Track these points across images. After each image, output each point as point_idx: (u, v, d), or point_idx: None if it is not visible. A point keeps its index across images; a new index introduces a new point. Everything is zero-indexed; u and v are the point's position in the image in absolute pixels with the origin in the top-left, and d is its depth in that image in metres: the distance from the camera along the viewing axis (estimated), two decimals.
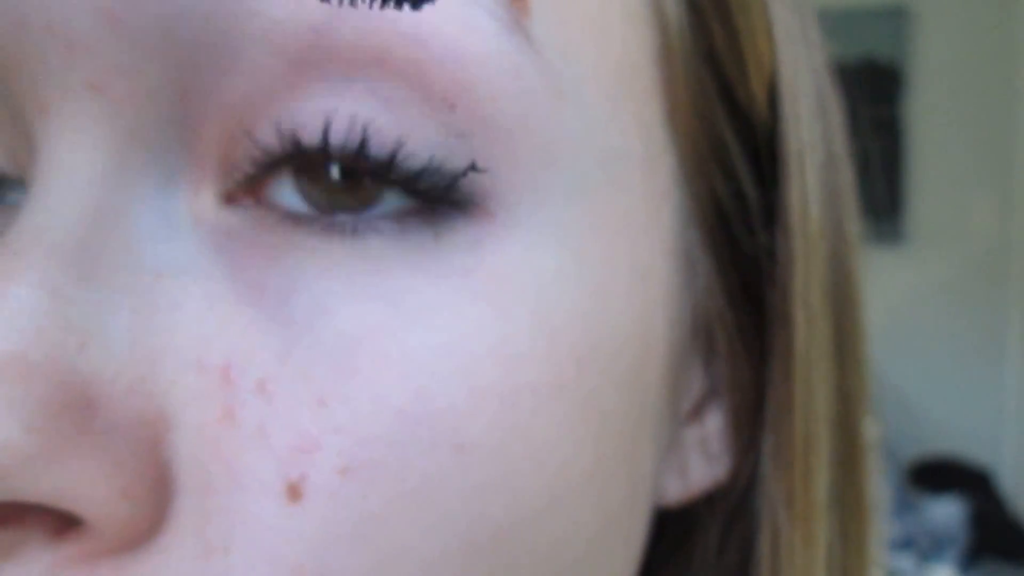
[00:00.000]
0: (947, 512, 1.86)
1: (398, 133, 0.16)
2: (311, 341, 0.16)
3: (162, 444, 0.15)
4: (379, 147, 0.16)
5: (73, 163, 0.16)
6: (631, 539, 0.21)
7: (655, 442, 0.21)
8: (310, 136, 0.16)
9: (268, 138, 0.16)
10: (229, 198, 0.17)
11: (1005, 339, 2.28)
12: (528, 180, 0.17)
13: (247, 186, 0.17)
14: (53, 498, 0.14)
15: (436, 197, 0.17)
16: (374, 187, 0.17)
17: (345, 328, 0.16)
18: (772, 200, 0.22)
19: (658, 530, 0.24)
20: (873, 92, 2.27)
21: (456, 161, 0.16)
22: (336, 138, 0.16)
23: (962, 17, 2.23)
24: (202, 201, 0.17)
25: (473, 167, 0.16)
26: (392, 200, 0.17)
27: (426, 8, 0.16)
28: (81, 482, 0.14)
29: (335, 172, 0.17)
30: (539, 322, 0.17)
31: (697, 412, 0.24)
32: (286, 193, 0.17)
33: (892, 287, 2.32)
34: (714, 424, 0.24)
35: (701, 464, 0.24)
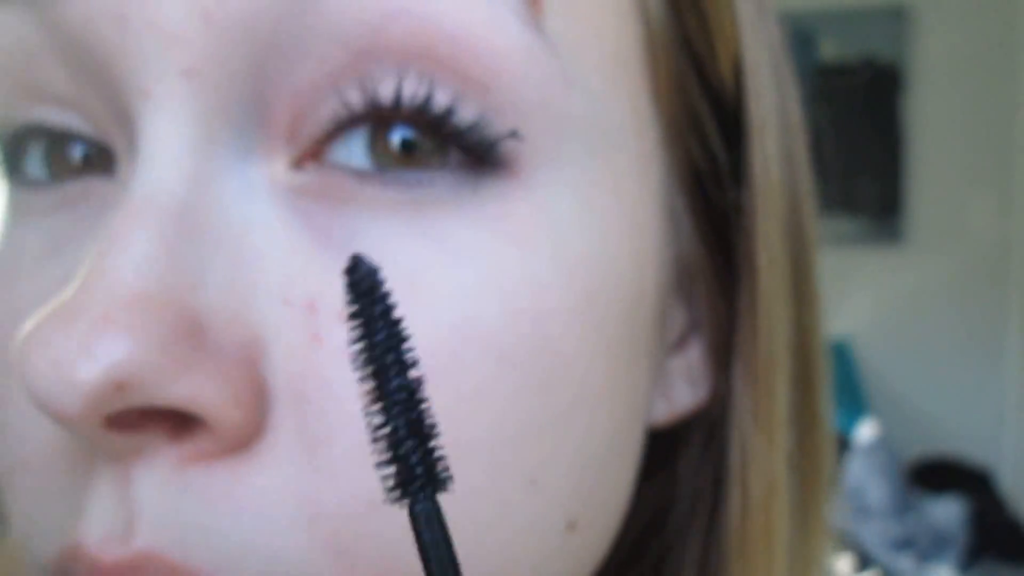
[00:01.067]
0: (947, 512, 1.86)
1: (451, 99, 0.20)
2: None
3: (259, 363, 0.19)
4: (440, 103, 0.20)
5: (171, 138, 0.19)
6: (633, 449, 0.25)
7: (648, 368, 0.25)
8: (385, 90, 0.19)
9: (352, 95, 0.20)
10: (297, 163, 0.20)
11: (1005, 339, 2.29)
12: (547, 148, 0.21)
13: (313, 150, 0.20)
14: (183, 402, 0.18)
15: (481, 155, 0.20)
16: (430, 152, 0.20)
17: (404, 263, 0.19)
18: (739, 162, 0.26)
19: (647, 450, 0.27)
20: (873, 92, 2.27)
21: (498, 127, 0.20)
22: (408, 90, 0.19)
23: (962, 17, 2.24)
24: (275, 166, 0.20)
25: (514, 134, 0.20)
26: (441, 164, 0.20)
27: (460, 10, 0.19)
28: (203, 389, 0.18)
29: (396, 141, 0.20)
30: (558, 260, 0.21)
31: (681, 344, 0.28)
32: (355, 154, 0.20)
33: (892, 287, 2.32)
34: (696, 354, 0.28)
35: (685, 388, 0.28)
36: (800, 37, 2.17)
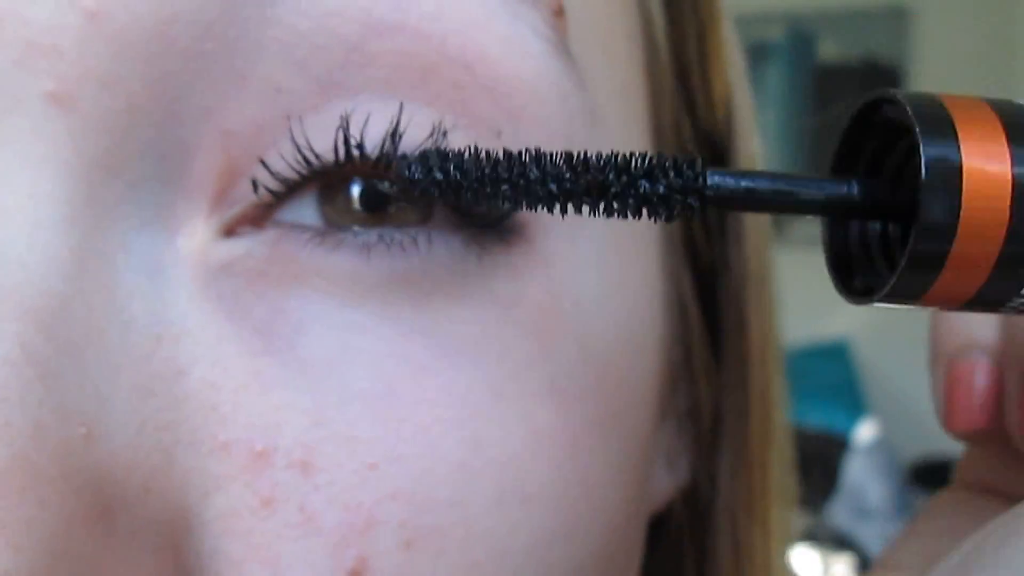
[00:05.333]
0: None
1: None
2: (343, 390, 0.14)
3: (182, 549, 0.13)
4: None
5: (31, 200, 0.12)
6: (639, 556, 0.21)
7: (651, 460, 0.20)
8: (372, 131, 0.14)
9: (289, 158, 0.14)
10: (228, 230, 0.14)
11: None
12: None
13: (253, 213, 0.14)
14: None
15: (493, 217, 0.15)
16: (415, 210, 0.15)
17: (381, 369, 0.14)
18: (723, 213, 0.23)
19: None
20: None
21: None
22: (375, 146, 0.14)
23: (962, 17, 2.23)
24: (195, 238, 0.14)
25: None
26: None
27: (471, 28, 0.14)
28: None
29: (356, 196, 0.14)
30: (586, 356, 0.16)
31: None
32: (305, 212, 0.15)
33: None
34: (670, 428, 0.23)
35: (664, 472, 0.23)
36: (800, 37, 2.18)
